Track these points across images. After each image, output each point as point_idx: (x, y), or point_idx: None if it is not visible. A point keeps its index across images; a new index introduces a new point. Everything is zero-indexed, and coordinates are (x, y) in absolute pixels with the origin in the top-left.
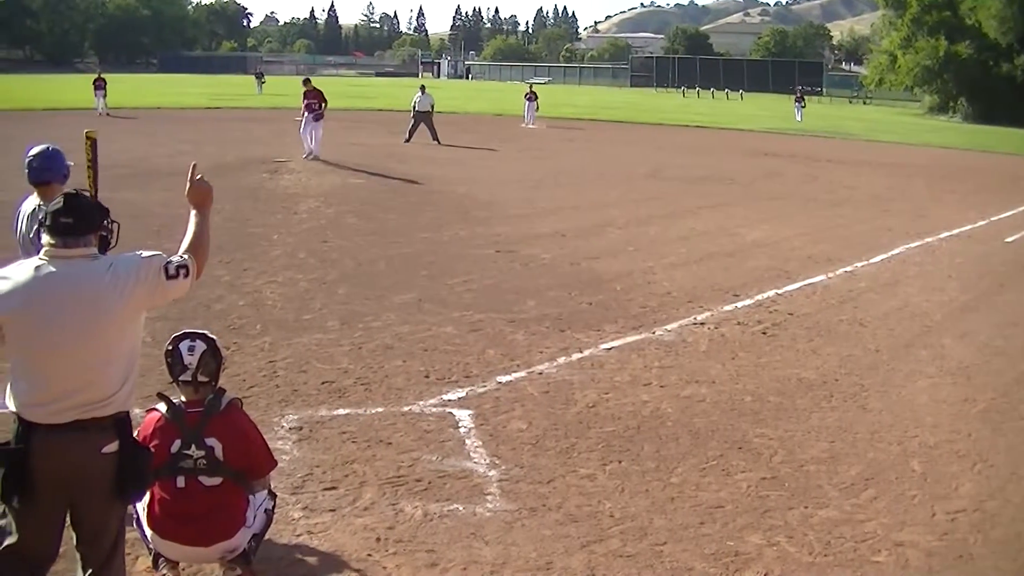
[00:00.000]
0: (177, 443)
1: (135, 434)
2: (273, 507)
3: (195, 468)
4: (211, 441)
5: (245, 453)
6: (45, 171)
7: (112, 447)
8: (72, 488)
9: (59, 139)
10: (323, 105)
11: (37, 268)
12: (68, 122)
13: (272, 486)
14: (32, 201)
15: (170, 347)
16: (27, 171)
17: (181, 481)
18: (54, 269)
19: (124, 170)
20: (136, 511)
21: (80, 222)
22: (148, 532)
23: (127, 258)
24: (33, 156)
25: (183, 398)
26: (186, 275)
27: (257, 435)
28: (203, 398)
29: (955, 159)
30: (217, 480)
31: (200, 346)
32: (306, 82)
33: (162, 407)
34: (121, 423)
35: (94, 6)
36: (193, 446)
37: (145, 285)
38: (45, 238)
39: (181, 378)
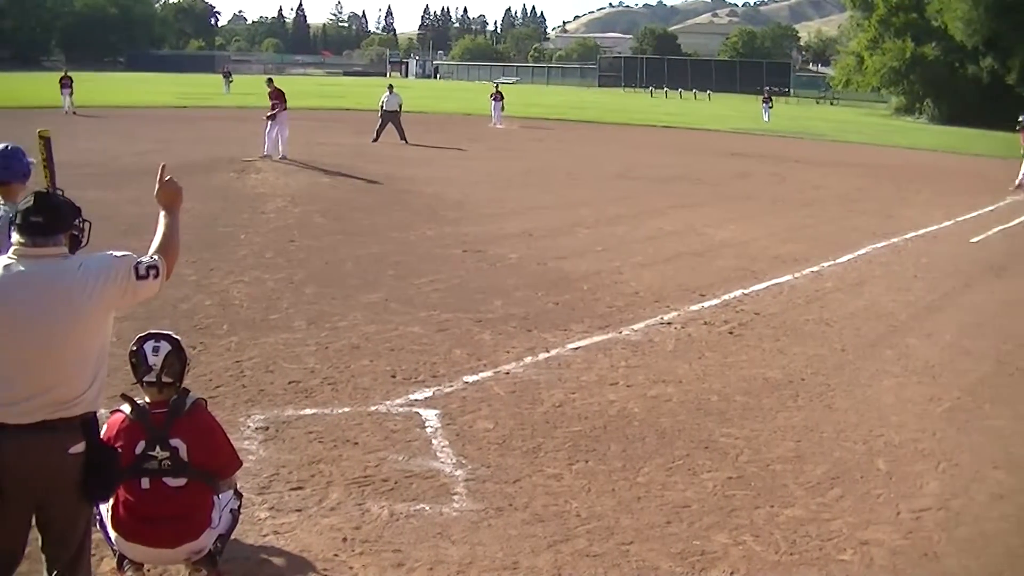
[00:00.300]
0: (142, 444)
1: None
2: (239, 507)
3: (160, 469)
4: (176, 442)
5: (210, 454)
6: (4, 170)
7: (79, 447)
8: (39, 489)
9: (23, 138)
10: (278, 106)
11: (6, 267)
12: (34, 121)
13: (238, 486)
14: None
15: (134, 348)
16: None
17: (146, 483)
18: (24, 268)
19: (91, 169)
20: (100, 513)
21: (51, 221)
22: (112, 534)
23: (98, 258)
24: None
25: (147, 399)
26: (156, 276)
27: (222, 435)
28: (167, 399)
29: (922, 160)
30: (182, 481)
31: (164, 347)
32: (269, 82)
33: (126, 408)
34: (89, 423)
35: (61, 4)
36: (158, 447)
37: (115, 285)
38: (15, 237)
39: (145, 379)
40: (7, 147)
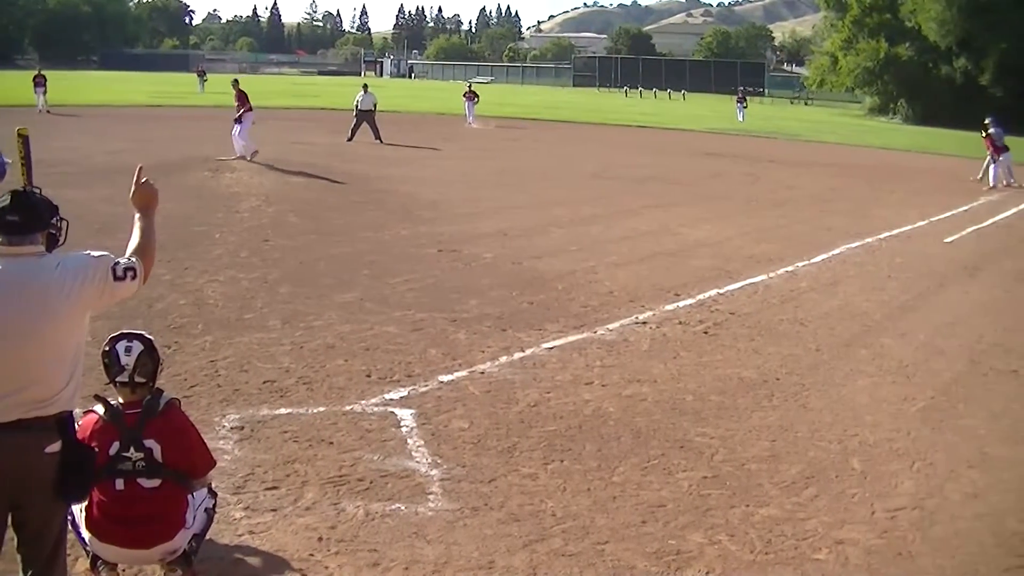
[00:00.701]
0: (115, 445)
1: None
2: (214, 506)
3: (134, 470)
4: (150, 443)
5: (184, 453)
6: None
7: (55, 447)
8: (14, 488)
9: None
10: (242, 107)
11: None
12: (7, 120)
13: (213, 485)
14: None
15: (107, 348)
16: None
17: (120, 483)
18: (2, 266)
19: (66, 168)
20: (73, 513)
21: (28, 220)
22: (86, 535)
23: (75, 257)
24: None
25: (120, 399)
26: (133, 277)
27: (196, 435)
28: (140, 399)
29: (896, 160)
30: (156, 482)
31: (137, 347)
32: (234, 83)
33: (99, 409)
34: (64, 422)
35: (34, 2)
36: (132, 448)
37: (93, 285)
38: None
39: (118, 379)
40: None
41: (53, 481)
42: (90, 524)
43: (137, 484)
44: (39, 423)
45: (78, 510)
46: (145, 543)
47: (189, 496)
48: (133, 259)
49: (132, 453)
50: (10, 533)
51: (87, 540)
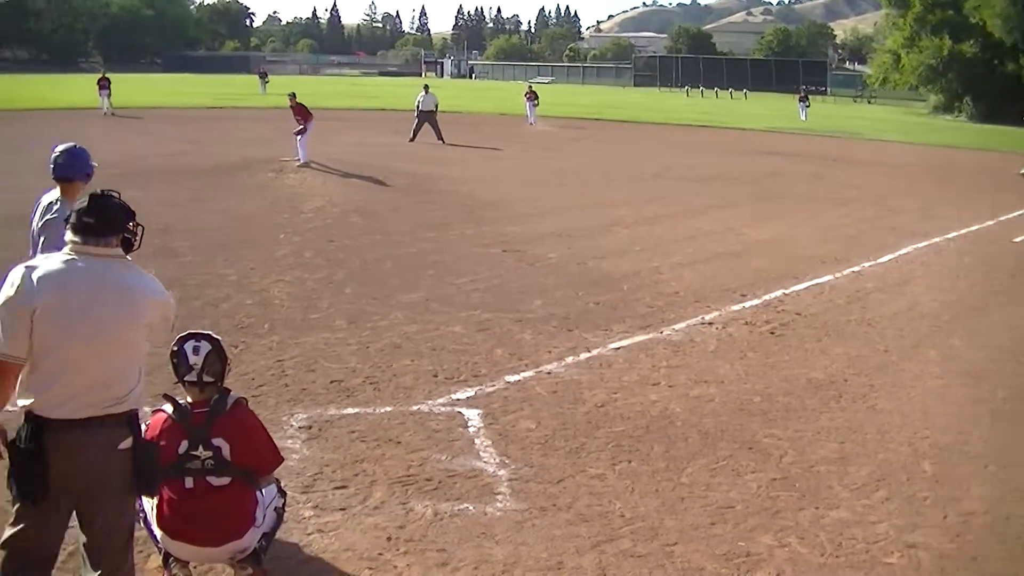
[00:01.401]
0: (184, 444)
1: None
2: (283, 506)
3: (203, 468)
4: (218, 441)
5: (252, 452)
6: (68, 168)
7: (127, 443)
8: (85, 486)
9: (62, 138)
10: (305, 121)
11: (67, 262)
12: (74, 121)
13: (283, 484)
14: (50, 195)
15: (175, 348)
16: (51, 167)
17: (189, 482)
18: (82, 264)
19: (127, 168)
20: (144, 510)
21: (103, 223)
22: (158, 532)
23: (168, 307)
24: (59, 153)
25: (188, 399)
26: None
27: (263, 433)
28: (208, 398)
29: (961, 158)
30: (225, 480)
31: (205, 346)
32: (291, 97)
33: (168, 408)
34: (133, 419)
35: (98, 6)
36: (200, 447)
37: (161, 318)
38: (68, 235)
39: (186, 378)
40: (74, 146)
41: (125, 477)
42: (161, 522)
43: (206, 482)
44: (112, 420)
45: (149, 508)
46: (215, 541)
47: (258, 494)
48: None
49: (201, 451)
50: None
51: (159, 537)
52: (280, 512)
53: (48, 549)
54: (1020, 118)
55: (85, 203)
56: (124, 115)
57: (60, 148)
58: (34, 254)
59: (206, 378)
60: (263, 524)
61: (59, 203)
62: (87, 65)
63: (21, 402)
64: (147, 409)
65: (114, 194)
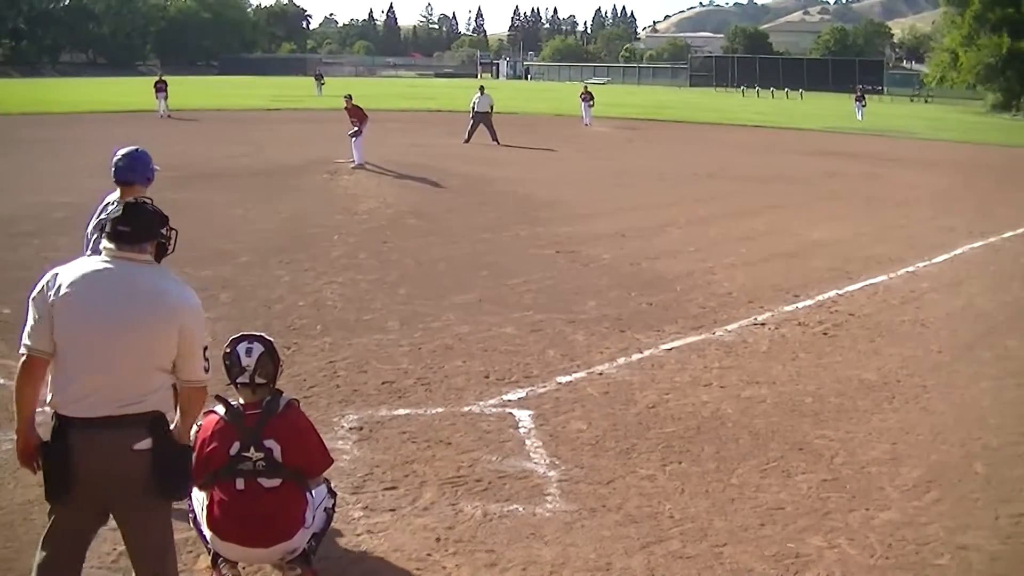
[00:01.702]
0: (236, 445)
1: (192, 435)
2: (333, 506)
3: (254, 470)
4: (270, 443)
5: (303, 453)
6: (129, 172)
7: (144, 444)
8: (104, 486)
9: (120, 139)
10: (361, 123)
11: (98, 263)
12: (131, 124)
13: (332, 485)
14: (111, 196)
15: (228, 349)
16: (113, 170)
17: (240, 483)
18: (113, 266)
19: (186, 171)
20: (195, 511)
21: (138, 230)
22: (207, 533)
23: (197, 313)
24: (120, 156)
25: (241, 400)
26: (206, 384)
27: (315, 435)
28: (261, 400)
29: (1019, 157)
30: (276, 482)
31: (258, 348)
32: (347, 99)
33: (220, 409)
34: (156, 421)
35: (155, 9)
36: (252, 448)
37: (185, 350)
38: (104, 242)
39: (239, 380)
40: (135, 150)
41: (144, 478)
42: (211, 523)
43: (257, 483)
44: (129, 420)
45: (200, 508)
46: (265, 542)
47: (309, 496)
48: (208, 380)
49: (252, 453)
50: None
51: (208, 538)
52: (330, 513)
53: (75, 551)
54: None
55: (120, 211)
56: (181, 117)
57: (122, 152)
58: (87, 253)
59: (258, 380)
60: (313, 525)
61: (116, 204)
62: (144, 68)
63: (48, 400)
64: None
65: (147, 201)
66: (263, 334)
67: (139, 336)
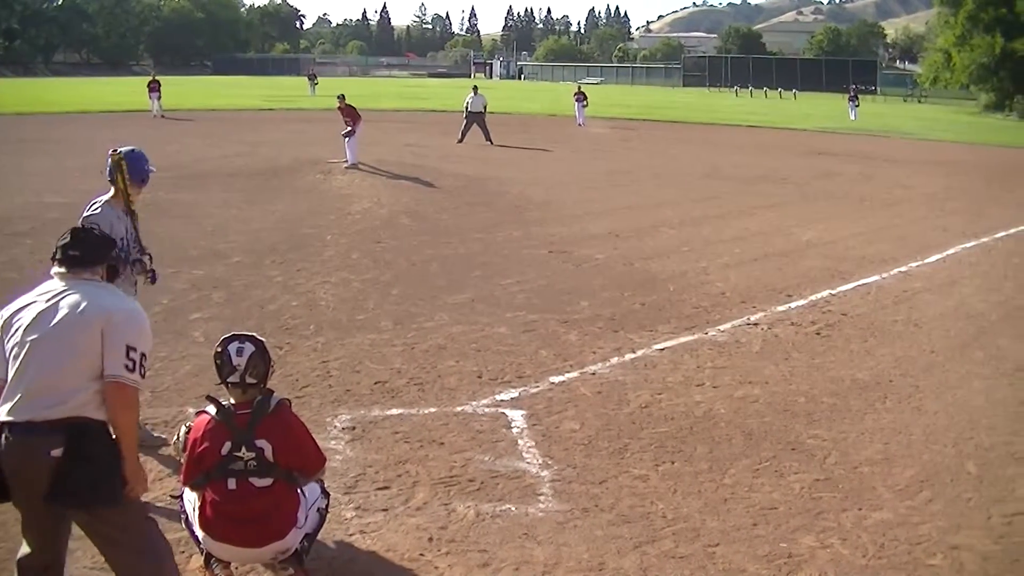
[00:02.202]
0: (227, 445)
1: (182, 434)
2: (326, 507)
3: (246, 470)
4: (261, 443)
5: (295, 453)
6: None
7: (59, 452)
8: (33, 491)
9: (113, 140)
10: (354, 123)
11: (41, 287)
12: (125, 124)
13: (326, 485)
14: (102, 198)
15: (219, 349)
16: (107, 170)
17: (232, 483)
18: (58, 283)
19: (180, 171)
20: (186, 511)
21: (86, 255)
22: (200, 533)
23: (129, 311)
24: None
25: (232, 400)
26: (131, 370)
27: (306, 434)
28: (251, 399)
29: (1012, 158)
30: (268, 481)
31: (249, 348)
32: (340, 99)
33: (211, 409)
34: (75, 428)
35: (149, 9)
36: (243, 448)
37: (108, 345)
38: (54, 268)
39: (229, 380)
40: (132, 150)
41: (56, 484)
42: (203, 523)
43: (249, 483)
44: (47, 426)
45: (191, 509)
46: (257, 542)
47: (301, 495)
48: (139, 383)
49: (244, 453)
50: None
51: (200, 538)
52: (323, 513)
53: (49, 543)
54: None
55: (68, 238)
56: (175, 117)
57: (119, 151)
58: None
59: (249, 379)
60: (305, 525)
61: (101, 203)
62: (138, 68)
63: None
64: (191, 410)
65: (94, 227)
66: (254, 334)
67: (60, 337)
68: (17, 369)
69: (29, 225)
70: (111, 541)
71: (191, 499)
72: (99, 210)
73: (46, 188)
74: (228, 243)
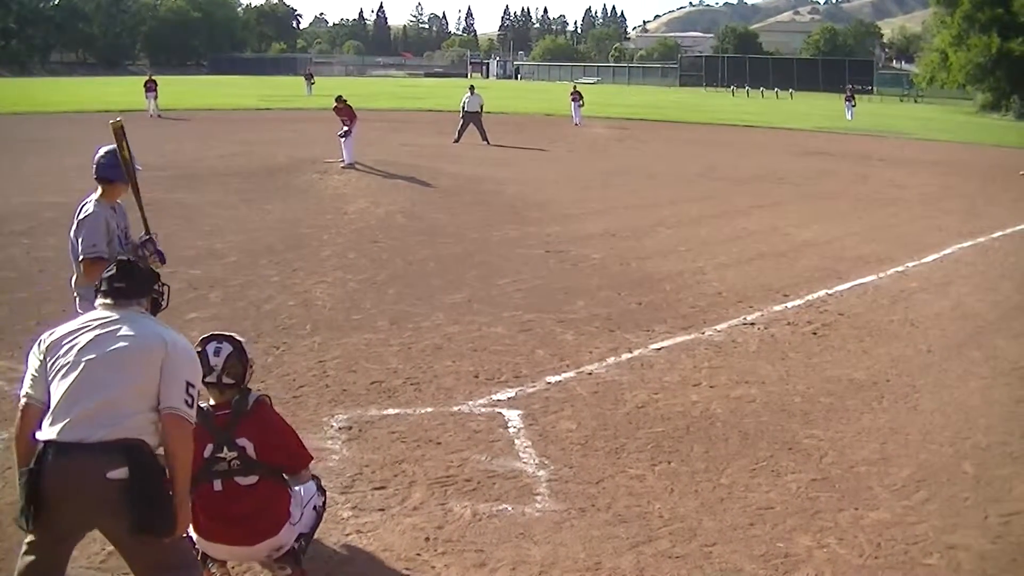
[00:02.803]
0: (209, 447)
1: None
2: (323, 504)
3: (229, 470)
4: (242, 441)
5: (278, 449)
6: (111, 168)
7: (119, 473)
8: (76, 513)
9: (108, 139)
10: (351, 123)
11: (89, 314)
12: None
13: (323, 483)
14: (92, 196)
15: (197, 349)
16: (94, 168)
17: (218, 484)
18: (103, 312)
19: (176, 171)
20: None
21: (132, 287)
22: (194, 535)
23: (187, 350)
24: (102, 154)
25: (211, 401)
26: (188, 416)
27: (288, 430)
28: (229, 400)
29: (1008, 158)
30: (253, 479)
31: (226, 348)
32: (338, 99)
33: None
34: (135, 449)
35: (146, 9)
36: (225, 448)
37: (167, 377)
38: (98, 300)
39: (207, 380)
40: (112, 149)
41: (120, 509)
42: (196, 525)
43: (235, 483)
44: (102, 447)
45: None
46: (250, 539)
47: (292, 491)
48: (192, 418)
49: (226, 453)
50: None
51: (195, 540)
52: (320, 511)
53: (54, 562)
54: None
55: (114, 270)
56: (171, 117)
57: (104, 149)
58: (73, 257)
59: (226, 380)
60: (301, 522)
61: (92, 203)
62: (134, 68)
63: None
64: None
65: (137, 259)
66: (233, 334)
67: (119, 361)
68: (68, 389)
69: (26, 225)
70: (149, 565)
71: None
72: (92, 209)
73: (43, 188)
74: (225, 243)
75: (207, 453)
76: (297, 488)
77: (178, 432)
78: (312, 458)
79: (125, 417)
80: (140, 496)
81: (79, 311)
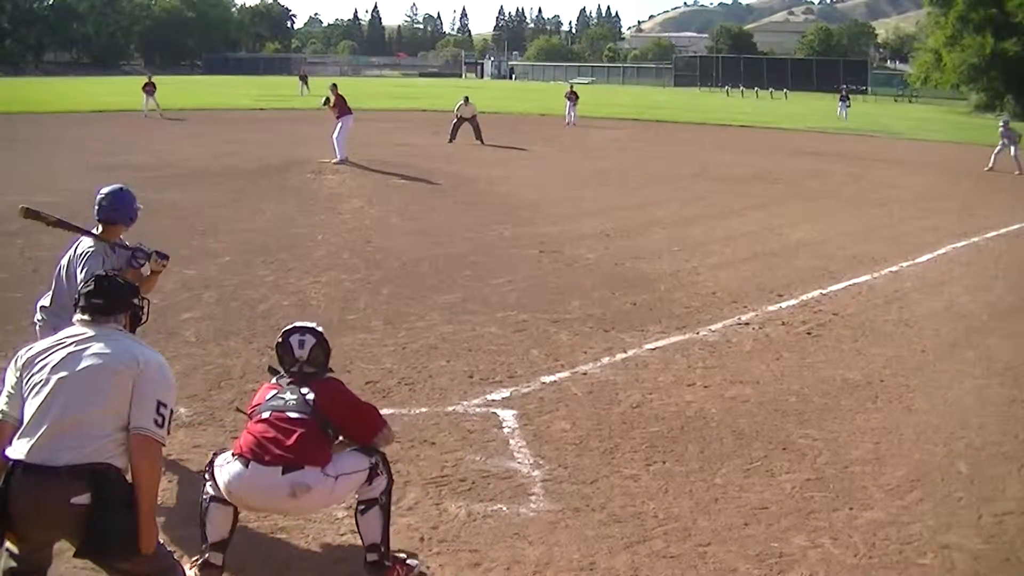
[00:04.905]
0: (273, 392)
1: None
2: (388, 495)
3: (284, 406)
4: (306, 390)
5: (342, 406)
6: (112, 211)
7: (82, 499)
8: (42, 535)
9: (101, 137)
10: (341, 114)
11: (64, 332)
12: (116, 123)
13: (382, 469)
14: (86, 243)
15: (280, 340)
16: (96, 208)
17: (267, 413)
18: (78, 329)
19: (170, 171)
20: (207, 495)
21: (109, 303)
22: (220, 479)
23: (160, 369)
24: (103, 195)
25: None
26: (160, 425)
27: (357, 399)
28: None
29: (1003, 158)
30: (303, 416)
31: (310, 340)
32: (332, 88)
33: (273, 379)
34: (100, 475)
35: (140, 9)
36: (288, 393)
37: (138, 397)
38: (77, 315)
39: (292, 370)
40: (119, 189)
41: (80, 535)
42: (236, 449)
43: (283, 415)
44: (67, 471)
45: (208, 497)
46: (272, 459)
47: (343, 454)
48: (164, 438)
49: (287, 396)
50: None
51: (220, 485)
52: (385, 507)
53: (35, 565)
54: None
55: (92, 286)
56: (166, 116)
57: (105, 190)
58: (56, 289)
59: (307, 368)
60: (337, 484)
61: (91, 240)
62: (129, 68)
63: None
64: (182, 409)
65: (115, 273)
66: (314, 325)
67: (89, 380)
68: (39, 406)
69: (20, 224)
70: (124, 572)
71: (213, 487)
72: (93, 246)
73: (36, 187)
74: (219, 242)
75: (269, 395)
76: (346, 453)
77: (145, 453)
78: (385, 424)
79: (94, 439)
80: (99, 523)
81: (38, 336)
